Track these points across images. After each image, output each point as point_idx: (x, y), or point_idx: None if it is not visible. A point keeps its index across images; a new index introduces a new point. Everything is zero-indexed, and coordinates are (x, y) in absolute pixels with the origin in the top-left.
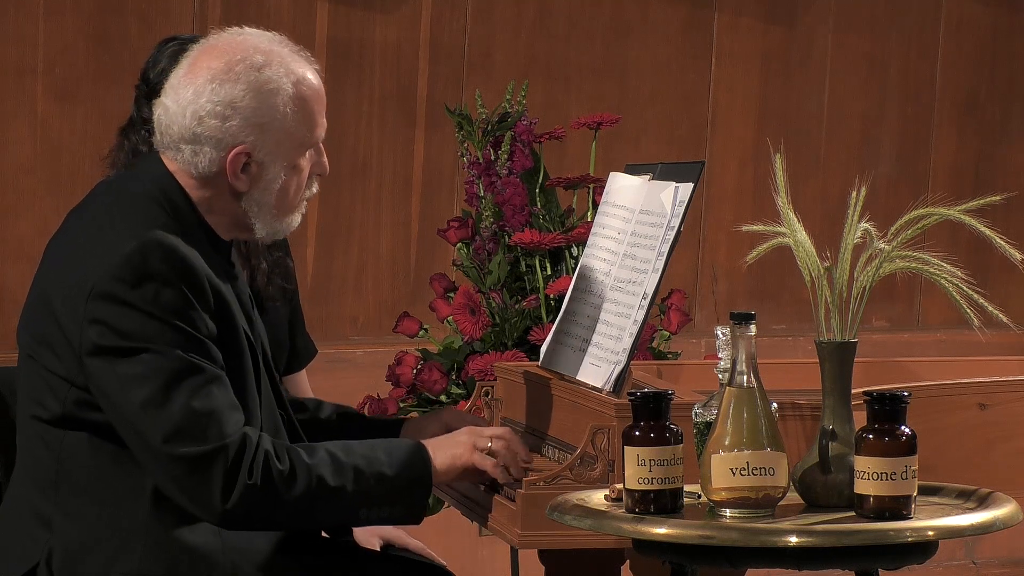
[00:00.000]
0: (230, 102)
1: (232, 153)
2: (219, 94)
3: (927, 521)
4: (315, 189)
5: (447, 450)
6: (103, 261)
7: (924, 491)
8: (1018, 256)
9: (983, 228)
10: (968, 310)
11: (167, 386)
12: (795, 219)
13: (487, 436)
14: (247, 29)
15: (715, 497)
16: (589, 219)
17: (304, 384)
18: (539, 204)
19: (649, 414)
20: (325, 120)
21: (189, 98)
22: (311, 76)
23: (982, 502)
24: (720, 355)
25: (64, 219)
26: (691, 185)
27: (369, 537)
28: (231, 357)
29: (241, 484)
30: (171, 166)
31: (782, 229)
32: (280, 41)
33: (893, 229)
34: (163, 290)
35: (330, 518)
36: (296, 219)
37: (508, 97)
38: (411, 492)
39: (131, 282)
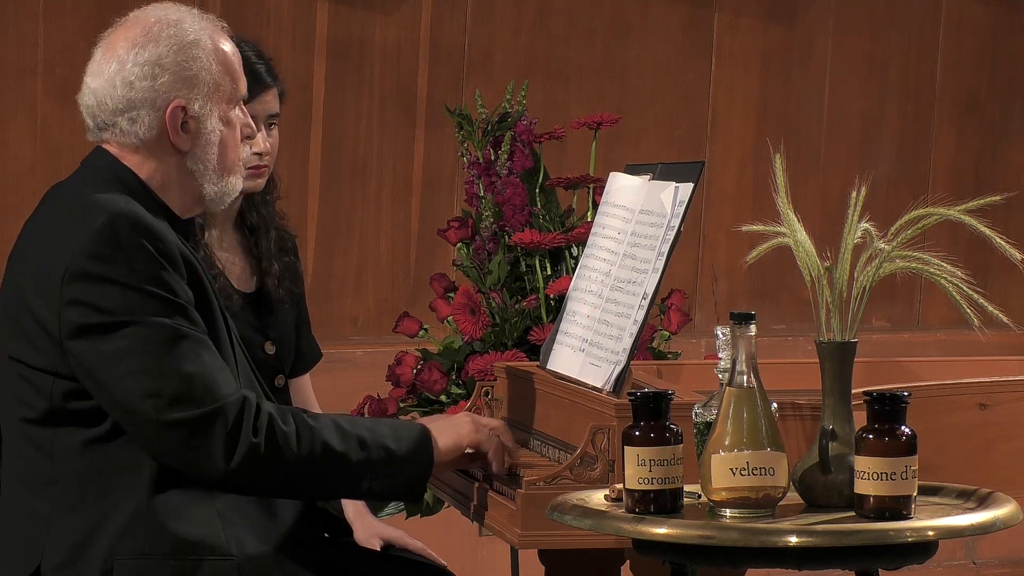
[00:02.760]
0: (156, 61)
1: (169, 109)
2: (143, 56)
3: (927, 521)
4: (250, 151)
5: (450, 431)
6: (72, 243)
7: (924, 491)
8: (1018, 256)
9: (983, 228)
10: (968, 310)
11: (156, 355)
12: (795, 219)
13: (485, 421)
14: (152, 5)
15: (715, 497)
16: (589, 219)
17: (308, 387)
18: (539, 204)
19: (649, 414)
20: (246, 79)
21: (114, 70)
22: (223, 34)
23: (982, 502)
24: (720, 355)
25: (22, 228)
26: (691, 185)
27: (369, 537)
28: (207, 325)
29: (244, 443)
30: (112, 150)
31: (782, 229)
32: (187, 7)
33: (893, 229)
34: (137, 260)
35: (333, 485)
36: (238, 183)
37: (508, 97)
38: (414, 468)
39: (104, 257)
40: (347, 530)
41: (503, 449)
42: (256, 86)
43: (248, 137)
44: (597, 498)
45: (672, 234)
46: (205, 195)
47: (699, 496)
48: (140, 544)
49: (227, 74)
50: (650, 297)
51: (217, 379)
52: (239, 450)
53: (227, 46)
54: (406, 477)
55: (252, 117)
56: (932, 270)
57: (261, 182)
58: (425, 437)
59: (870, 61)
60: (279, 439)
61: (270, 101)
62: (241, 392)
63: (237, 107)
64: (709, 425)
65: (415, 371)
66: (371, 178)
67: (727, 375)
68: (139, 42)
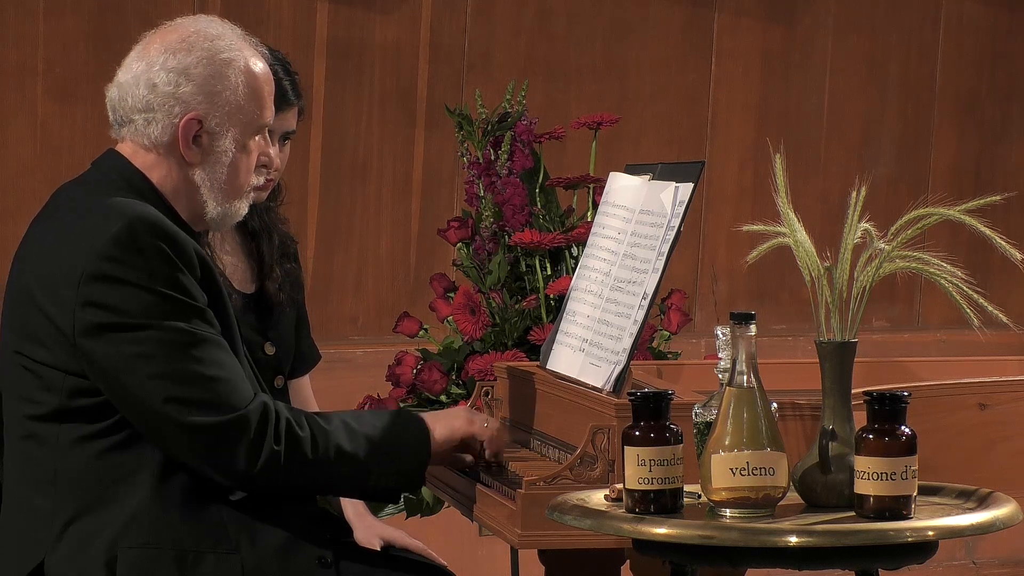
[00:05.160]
0: (184, 69)
1: (184, 119)
2: (172, 62)
3: (927, 521)
4: (261, 181)
5: (446, 422)
6: (89, 245)
7: (924, 491)
8: (1018, 256)
9: (983, 228)
10: (968, 310)
11: (177, 360)
12: (795, 219)
13: (482, 417)
14: (199, 15)
15: (715, 497)
16: (589, 219)
17: (307, 388)
18: (539, 204)
19: (649, 414)
20: (274, 108)
21: (142, 69)
22: (261, 60)
23: (982, 502)
24: (720, 355)
25: (30, 225)
26: (691, 185)
27: (370, 537)
28: (221, 326)
29: (267, 450)
30: (126, 149)
31: (782, 229)
32: (232, 26)
33: (893, 229)
34: (156, 263)
35: (344, 483)
36: (243, 207)
37: (508, 97)
38: (412, 461)
39: (123, 260)
40: (347, 530)
41: (498, 437)
42: (280, 102)
43: (264, 165)
44: (597, 498)
45: (672, 234)
46: (207, 213)
47: (699, 496)
48: (145, 534)
49: (253, 99)
50: (650, 297)
51: (238, 385)
52: (262, 457)
53: (261, 73)
54: (405, 471)
55: (269, 132)
56: (932, 270)
57: (264, 195)
58: (422, 428)
59: (870, 61)
60: (298, 444)
61: (289, 119)
62: (261, 398)
63: (259, 134)
64: (709, 425)
65: (415, 371)
66: (371, 178)
67: (727, 375)
68: (173, 48)
